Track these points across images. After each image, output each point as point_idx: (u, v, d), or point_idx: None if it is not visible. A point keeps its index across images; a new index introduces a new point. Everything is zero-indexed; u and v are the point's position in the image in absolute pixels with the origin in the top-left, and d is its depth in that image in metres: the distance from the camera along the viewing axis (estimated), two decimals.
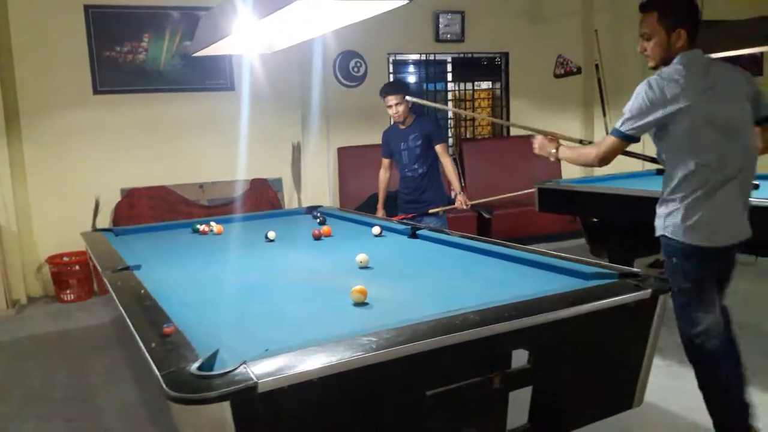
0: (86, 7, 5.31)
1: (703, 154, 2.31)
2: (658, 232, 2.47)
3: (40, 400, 3.33)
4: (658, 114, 2.32)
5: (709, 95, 2.33)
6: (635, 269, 2.09)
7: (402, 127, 4.21)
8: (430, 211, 4.13)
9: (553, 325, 1.74)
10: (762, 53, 7.72)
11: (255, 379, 1.38)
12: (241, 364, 1.45)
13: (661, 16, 2.40)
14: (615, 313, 1.86)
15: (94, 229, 4.08)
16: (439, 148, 4.15)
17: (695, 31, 2.43)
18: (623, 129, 2.40)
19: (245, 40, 3.34)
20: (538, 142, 2.87)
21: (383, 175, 4.46)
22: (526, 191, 4.54)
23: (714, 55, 4.86)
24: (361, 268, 2.57)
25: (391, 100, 4.08)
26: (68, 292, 5.21)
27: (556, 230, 6.23)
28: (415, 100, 4.04)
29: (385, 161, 4.39)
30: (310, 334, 1.72)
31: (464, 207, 4.09)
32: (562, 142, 2.87)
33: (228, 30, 2.97)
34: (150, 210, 5.44)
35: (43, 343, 4.28)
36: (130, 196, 5.48)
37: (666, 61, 2.44)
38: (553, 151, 2.75)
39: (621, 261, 3.93)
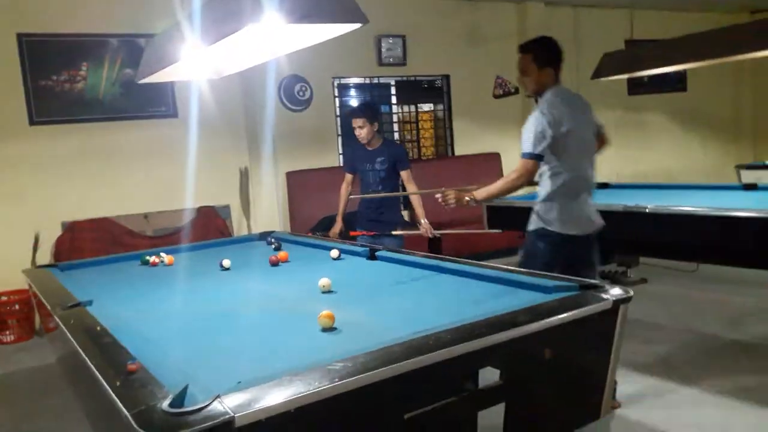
0: (19, 36, 5.14)
1: (574, 166, 2.99)
2: (535, 226, 3.05)
3: None
4: (554, 134, 2.87)
5: (578, 120, 3.00)
6: (594, 281, 2.14)
7: (369, 148, 4.30)
8: (394, 233, 4.20)
9: (523, 340, 1.77)
10: (686, 70, 8.16)
11: (231, 413, 1.34)
12: (215, 399, 1.41)
13: (534, 57, 3.06)
14: (580, 325, 1.90)
15: (38, 266, 3.89)
16: (404, 174, 4.27)
17: (559, 69, 3.13)
18: (536, 151, 2.89)
19: (193, 66, 3.29)
20: (452, 196, 3.03)
21: (344, 189, 4.50)
22: (495, 230, 4.68)
23: (643, 72, 5.16)
24: (324, 292, 2.55)
25: (356, 122, 4.23)
26: (8, 332, 4.96)
27: (505, 246, 6.34)
28: (370, 196, 4.19)
29: (348, 176, 4.44)
30: (281, 363, 1.69)
31: (429, 235, 4.19)
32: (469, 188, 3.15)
33: (176, 56, 2.92)
34: (93, 243, 5.24)
35: None
36: (71, 229, 5.28)
37: (538, 92, 3.06)
38: (469, 199, 3.02)
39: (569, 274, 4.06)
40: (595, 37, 7.75)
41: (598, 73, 4.98)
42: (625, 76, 5.63)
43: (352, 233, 4.16)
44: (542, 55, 3.06)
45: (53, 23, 5.25)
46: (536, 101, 3.06)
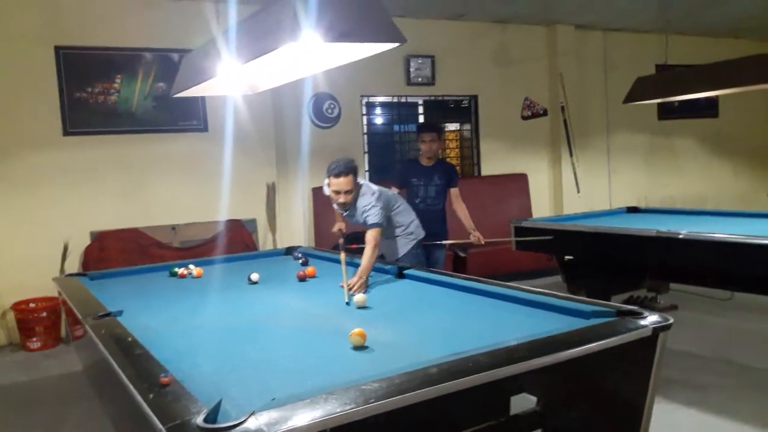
0: (57, 48, 5.25)
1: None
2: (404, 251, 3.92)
3: None
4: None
5: None
6: (633, 307, 2.09)
7: (426, 163, 4.48)
8: (450, 242, 4.42)
9: (561, 366, 1.73)
10: (717, 96, 8.06)
11: (267, 431, 1.33)
12: (250, 415, 1.39)
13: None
14: (619, 352, 1.86)
15: (68, 274, 3.93)
16: (454, 191, 4.49)
17: None
18: (381, 221, 3.46)
19: (228, 82, 3.32)
20: (356, 287, 2.95)
21: None
22: (543, 237, 4.66)
23: (677, 97, 5.10)
24: (360, 308, 2.55)
25: (427, 136, 4.42)
26: (34, 339, 5.00)
27: (531, 268, 6.28)
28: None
29: (395, 189, 4.42)
30: (314, 380, 1.68)
31: (480, 242, 4.34)
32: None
33: (211, 72, 2.96)
34: (121, 253, 5.29)
35: (12, 394, 4.07)
36: (100, 239, 5.33)
37: None
38: (364, 278, 3.02)
39: (598, 298, 3.98)
40: (625, 61, 7.72)
41: (631, 97, 4.93)
42: (658, 101, 5.57)
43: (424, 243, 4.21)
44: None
45: (89, 37, 5.35)
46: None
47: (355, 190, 3.52)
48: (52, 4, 5.22)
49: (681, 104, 7.71)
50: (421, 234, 4.06)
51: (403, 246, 3.99)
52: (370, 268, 3.13)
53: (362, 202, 3.52)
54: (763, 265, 3.41)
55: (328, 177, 3.50)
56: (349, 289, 2.84)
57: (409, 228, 4.00)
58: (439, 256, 4.41)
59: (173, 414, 1.45)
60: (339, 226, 4.00)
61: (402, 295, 2.87)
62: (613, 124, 7.97)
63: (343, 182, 3.42)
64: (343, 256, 3.37)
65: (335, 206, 3.71)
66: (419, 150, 4.55)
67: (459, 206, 4.47)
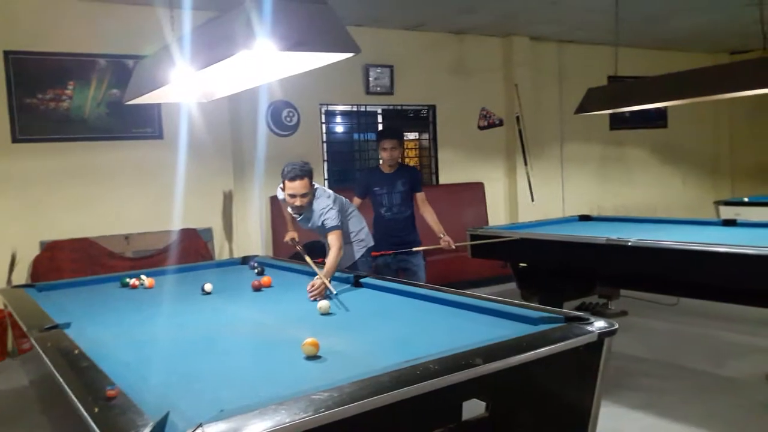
0: (6, 53, 5.11)
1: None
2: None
3: None
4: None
5: None
6: (580, 313, 2.15)
7: (388, 171, 4.35)
8: (415, 249, 4.24)
9: (510, 371, 1.76)
10: (666, 107, 8.34)
11: None
12: (197, 428, 1.38)
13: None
14: (566, 357, 1.90)
15: (14, 285, 3.81)
16: (420, 196, 4.36)
17: None
18: (339, 224, 3.44)
19: (182, 90, 3.29)
20: (318, 290, 2.91)
21: None
22: (509, 238, 4.64)
23: (626, 108, 5.26)
24: (323, 314, 2.57)
25: (388, 143, 4.27)
26: None
27: (487, 275, 6.36)
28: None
29: (357, 200, 4.39)
30: (264, 391, 1.67)
31: (451, 247, 4.22)
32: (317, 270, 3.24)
33: (165, 79, 2.92)
34: (72, 263, 5.15)
35: None
36: (50, 249, 5.19)
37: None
38: (326, 281, 2.96)
39: (551, 305, 4.06)
40: (579, 72, 7.92)
41: (582, 108, 5.05)
42: (610, 111, 5.73)
43: (374, 253, 4.12)
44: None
45: (41, 42, 5.23)
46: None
47: (311, 193, 3.48)
48: (2, 9, 5.08)
49: (632, 114, 7.94)
50: (371, 242, 4.06)
51: (357, 252, 4.00)
52: (333, 271, 3.13)
53: (319, 205, 3.49)
54: (707, 271, 3.54)
55: (283, 181, 3.47)
56: (309, 291, 2.86)
57: (360, 235, 3.99)
58: (417, 264, 4.28)
59: (118, 428, 1.43)
60: (291, 235, 3.97)
61: (358, 303, 2.87)
62: (567, 134, 8.16)
63: (298, 186, 3.37)
64: (308, 258, 3.41)
65: (289, 210, 3.68)
66: (380, 159, 4.48)
67: (426, 210, 4.36)
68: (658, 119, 8.88)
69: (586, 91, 5.12)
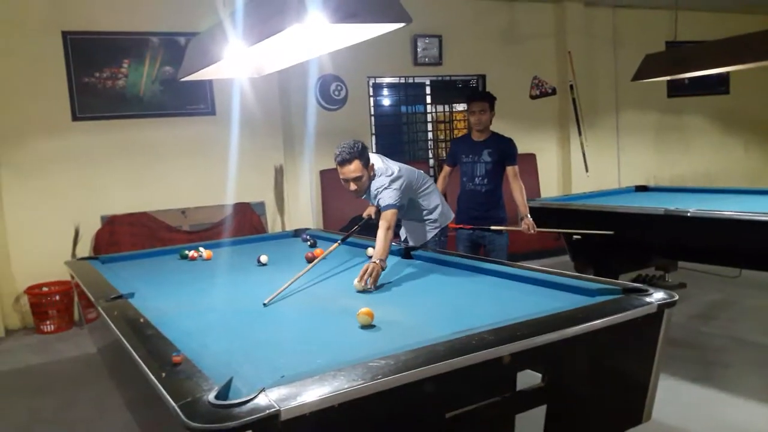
0: (64, 33, 5.26)
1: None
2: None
3: None
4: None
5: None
6: (639, 284, 2.11)
7: (477, 138, 4.13)
8: (493, 228, 4.02)
9: (566, 342, 1.75)
10: (728, 73, 7.97)
11: (277, 407, 1.36)
12: (260, 392, 1.42)
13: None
14: (624, 328, 1.87)
15: (79, 258, 3.98)
16: (511, 169, 4.08)
17: None
18: (395, 203, 3.12)
19: (234, 65, 3.32)
20: (373, 278, 2.63)
21: (441, 181, 4.29)
22: (603, 233, 4.16)
23: (686, 74, 5.05)
24: (359, 291, 2.56)
25: (476, 106, 4.05)
26: (48, 323, 5.08)
27: (540, 247, 6.29)
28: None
29: (447, 168, 4.27)
30: (322, 358, 1.70)
31: (531, 231, 3.97)
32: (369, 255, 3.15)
33: (218, 55, 2.95)
34: (131, 237, 5.34)
35: (26, 376, 4.16)
36: (110, 223, 5.38)
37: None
38: (378, 261, 2.72)
39: (606, 277, 3.99)
40: (635, 38, 7.63)
41: (640, 75, 4.88)
42: (668, 78, 5.51)
43: (451, 225, 3.88)
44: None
45: (96, 21, 5.36)
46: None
47: (367, 174, 3.17)
48: None
49: (691, 81, 7.63)
50: (446, 222, 3.72)
51: (428, 233, 3.68)
52: (385, 254, 2.81)
53: (375, 184, 3.20)
54: None
55: (336, 166, 3.21)
56: (363, 277, 2.60)
57: (433, 215, 3.65)
58: (498, 242, 4.03)
59: (185, 391, 1.48)
60: (369, 211, 3.77)
61: (409, 275, 2.89)
62: (622, 102, 7.91)
63: (350, 170, 3.09)
64: (338, 243, 3.31)
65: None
66: (469, 125, 4.21)
67: (515, 187, 4.04)
68: (719, 86, 8.50)
69: (644, 57, 4.94)
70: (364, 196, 3.34)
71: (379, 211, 3.57)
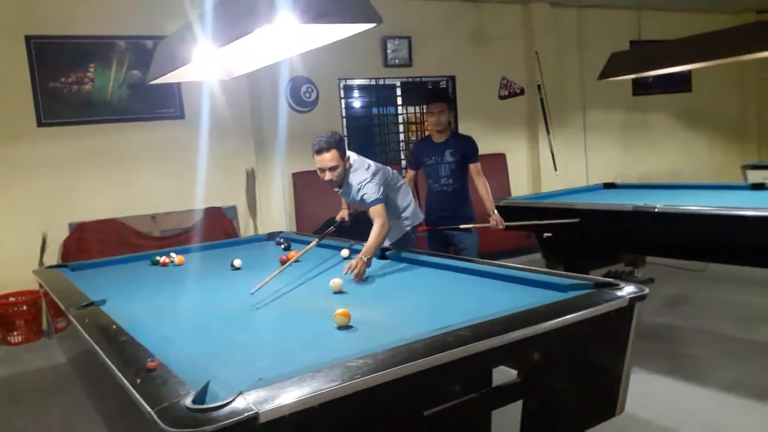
0: (27, 38, 5.15)
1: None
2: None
3: None
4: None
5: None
6: (610, 279, 2.15)
7: (438, 140, 4.13)
8: (462, 226, 4.04)
9: (541, 337, 1.77)
10: (691, 71, 8.17)
11: (255, 409, 1.35)
12: (238, 395, 1.42)
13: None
14: (596, 322, 1.91)
15: (48, 266, 3.90)
16: (474, 167, 4.08)
17: None
18: (381, 197, 3.21)
19: (204, 68, 3.30)
20: (358, 273, 2.76)
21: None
22: (569, 221, 4.30)
23: (650, 73, 5.16)
24: (336, 293, 2.56)
25: (435, 107, 4.03)
26: (15, 333, 4.96)
27: (511, 246, 6.35)
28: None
29: (410, 172, 4.28)
30: (300, 360, 1.70)
31: (499, 227, 4.02)
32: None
33: (187, 58, 2.93)
34: (100, 244, 5.24)
35: None
36: (79, 230, 5.28)
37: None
38: (365, 259, 2.83)
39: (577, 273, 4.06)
40: (600, 37, 7.77)
41: (606, 73, 4.98)
42: (633, 77, 5.63)
43: (420, 228, 3.91)
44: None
45: (61, 25, 5.26)
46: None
47: (342, 165, 3.22)
48: None
49: (655, 79, 7.79)
50: (417, 220, 3.77)
51: (397, 230, 3.66)
52: (376, 248, 2.93)
53: (356, 179, 3.23)
54: (735, 235, 3.50)
55: (312, 155, 3.26)
56: (350, 271, 2.71)
57: (405, 212, 3.68)
58: (467, 241, 4.05)
59: (161, 397, 1.47)
60: (341, 214, 3.74)
61: (384, 275, 2.90)
62: (589, 101, 8.05)
63: (326, 158, 3.15)
64: (314, 243, 3.35)
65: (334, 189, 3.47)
66: (427, 127, 4.27)
67: (479, 184, 4.06)
68: (682, 83, 8.70)
69: (610, 56, 5.04)
70: (340, 190, 3.39)
71: (351, 214, 3.62)
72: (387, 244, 3.62)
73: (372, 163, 3.43)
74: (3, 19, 5.05)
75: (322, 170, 3.21)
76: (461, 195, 4.14)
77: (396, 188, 3.64)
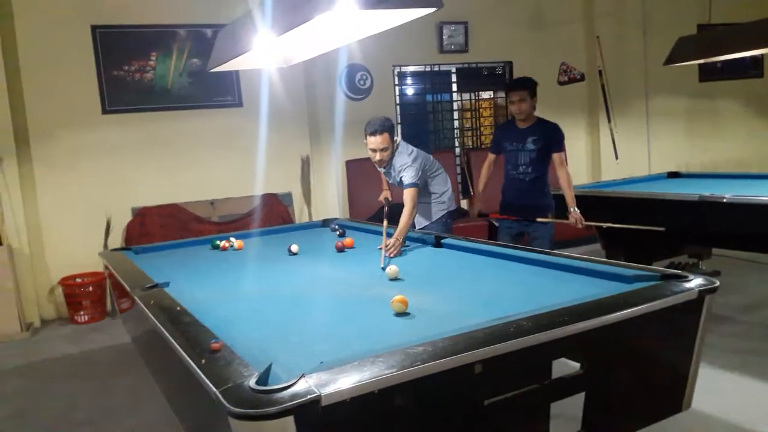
0: (93, 27, 5.32)
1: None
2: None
3: (66, 423, 3.29)
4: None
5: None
6: (677, 271, 2.07)
7: (521, 126, 3.99)
8: (540, 219, 3.92)
9: (605, 329, 1.72)
10: (762, 55, 7.77)
11: (318, 392, 1.36)
12: (300, 377, 1.43)
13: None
14: (663, 315, 1.84)
15: (113, 249, 4.04)
16: (557, 157, 3.90)
17: None
18: (417, 182, 3.48)
19: (263, 55, 3.33)
20: (395, 251, 3.02)
21: (485, 169, 4.22)
22: (654, 228, 3.84)
23: (720, 57, 4.93)
24: (392, 279, 2.55)
25: (515, 95, 3.89)
26: (82, 313, 5.18)
27: (569, 236, 6.21)
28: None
29: (491, 156, 4.17)
30: (359, 345, 1.70)
31: (578, 225, 3.84)
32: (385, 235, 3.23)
33: (247, 46, 2.96)
34: (161, 228, 5.40)
35: (62, 365, 4.24)
36: (141, 214, 5.45)
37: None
38: (401, 239, 3.11)
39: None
40: (665, 21, 7.46)
41: (672, 59, 4.78)
42: (702, 61, 5.39)
43: (492, 215, 3.92)
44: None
45: (124, 15, 5.41)
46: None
47: (391, 147, 3.56)
48: None
49: (724, 65, 7.46)
50: (453, 206, 3.90)
51: (435, 213, 3.85)
52: (406, 230, 3.14)
53: (399, 162, 3.56)
54: None
55: (366, 136, 3.56)
56: (386, 249, 2.92)
57: (442, 198, 3.84)
58: (542, 232, 3.92)
59: (226, 378, 1.49)
60: (385, 194, 3.92)
61: (441, 263, 2.88)
62: (653, 87, 7.75)
63: (378, 140, 3.49)
64: (385, 223, 3.41)
65: (378, 169, 3.72)
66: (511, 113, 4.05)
67: (560, 175, 3.86)
68: (752, 69, 8.29)
69: (677, 41, 4.83)
70: (384, 169, 3.72)
71: (390, 195, 3.86)
72: (424, 224, 3.84)
73: (415, 149, 3.65)
74: (70, 10, 5.23)
75: (374, 150, 3.55)
76: (539, 184, 3.97)
77: (434, 175, 3.83)
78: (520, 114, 3.92)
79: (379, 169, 3.74)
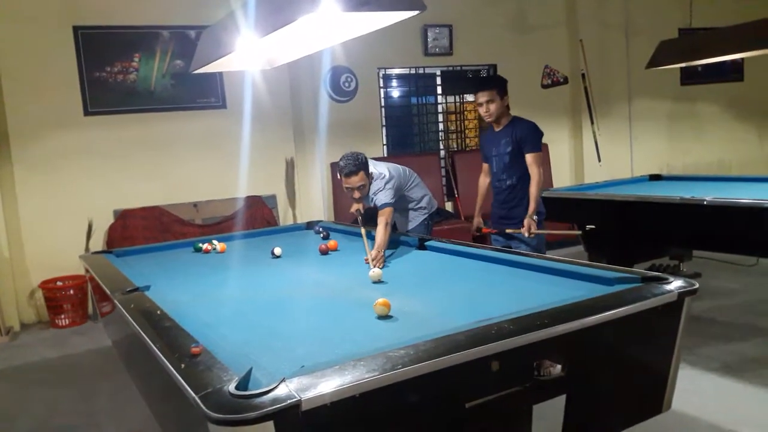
0: (75, 28, 5.27)
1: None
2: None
3: (46, 430, 3.25)
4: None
5: None
6: (658, 273, 2.08)
7: (496, 128, 3.70)
8: (507, 231, 3.65)
9: (585, 331, 1.73)
10: (743, 59, 7.88)
11: (298, 397, 1.35)
12: (281, 382, 1.42)
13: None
14: (644, 317, 1.85)
15: (94, 252, 4.00)
16: (528, 157, 3.56)
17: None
18: (390, 201, 3.45)
19: (246, 57, 3.31)
20: (379, 263, 2.91)
21: (482, 180, 3.98)
22: (570, 232, 4.53)
23: (701, 61, 4.99)
24: (375, 282, 2.55)
25: (481, 96, 3.57)
26: (63, 317, 5.12)
27: (552, 238, 6.24)
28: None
29: (485, 166, 3.91)
30: (341, 349, 1.70)
31: (527, 235, 3.51)
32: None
33: (230, 47, 2.94)
34: (144, 231, 5.36)
35: (43, 370, 4.19)
36: (123, 217, 5.41)
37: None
38: (382, 252, 3.02)
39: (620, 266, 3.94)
40: (648, 25, 7.54)
41: (654, 62, 4.83)
42: (683, 65, 5.45)
43: (484, 230, 3.79)
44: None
45: (107, 16, 5.37)
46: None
47: (368, 181, 3.47)
48: None
49: (705, 69, 7.54)
50: (434, 206, 3.93)
51: (414, 219, 3.87)
52: (385, 244, 3.13)
53: (373, 188, 3.53)
54: None
55: (340, 177, 3.47)
56: (369, 262, 2.88)
57: (421, 203, 3.87)
58: (527, 243, 3.57)
59: (205, 382, 1.48)
60: (355, 207, 3.76)
61: (424, 265, 2.88)
62: (635, 90, 7.83)
63: (356, 180, 3.41)
64: (363, 231, 3.40)
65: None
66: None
67: (531, 175, 3.55)
68: (733, 73, 8.39)
69: (659, 44, 4.88)
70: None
71: (363, 207, 3.73)
72: (409, 228, 3.85)
73: (387, 171, 3.59)
74: (51, 10, 5.18)
75: (352, 189, 3.48)
76: (516, 193, 3.64)
77: (409, 186, 3.85)
78: (489, 116, 3.60)
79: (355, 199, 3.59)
